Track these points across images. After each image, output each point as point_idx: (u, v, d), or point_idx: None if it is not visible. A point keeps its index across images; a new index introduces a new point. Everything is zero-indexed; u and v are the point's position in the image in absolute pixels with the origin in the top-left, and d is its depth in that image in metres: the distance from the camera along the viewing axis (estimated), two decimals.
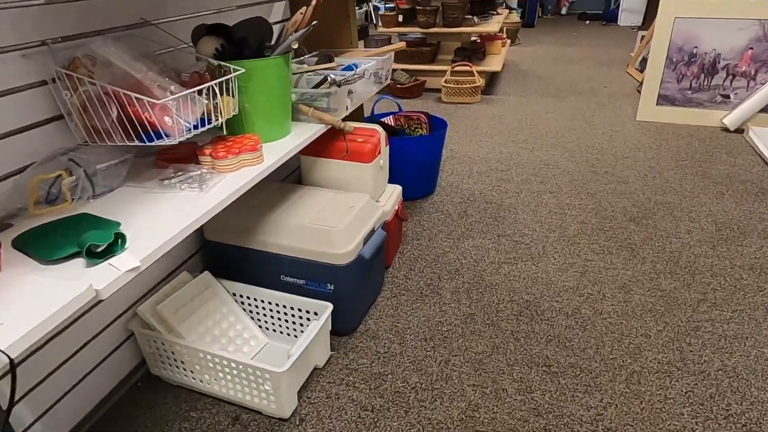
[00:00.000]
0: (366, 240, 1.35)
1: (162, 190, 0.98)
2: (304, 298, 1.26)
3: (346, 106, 1.41)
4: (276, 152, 1.15)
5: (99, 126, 0.93)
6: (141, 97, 0.86)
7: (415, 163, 2.00)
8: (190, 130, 0.95)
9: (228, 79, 1.04)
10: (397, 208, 1.66)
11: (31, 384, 1.01)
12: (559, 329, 1.38)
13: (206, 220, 0.89)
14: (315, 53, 1.68)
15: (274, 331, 1.35)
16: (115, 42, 0.93)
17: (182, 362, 1.18)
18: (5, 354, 0.56)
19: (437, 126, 2.12)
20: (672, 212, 1.95)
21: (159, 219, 0.87)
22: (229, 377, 1.14)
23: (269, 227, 1.32)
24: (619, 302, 1.47)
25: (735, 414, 1.11)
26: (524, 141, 2.73)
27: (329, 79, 1.33)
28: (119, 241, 0.77)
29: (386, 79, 1.71)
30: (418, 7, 3.51)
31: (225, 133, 1.11)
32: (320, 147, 1.54)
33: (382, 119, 2.12)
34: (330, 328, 1.27)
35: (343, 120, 1.41)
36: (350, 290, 1.31)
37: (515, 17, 5.56)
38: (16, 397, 0.98)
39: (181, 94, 0.90)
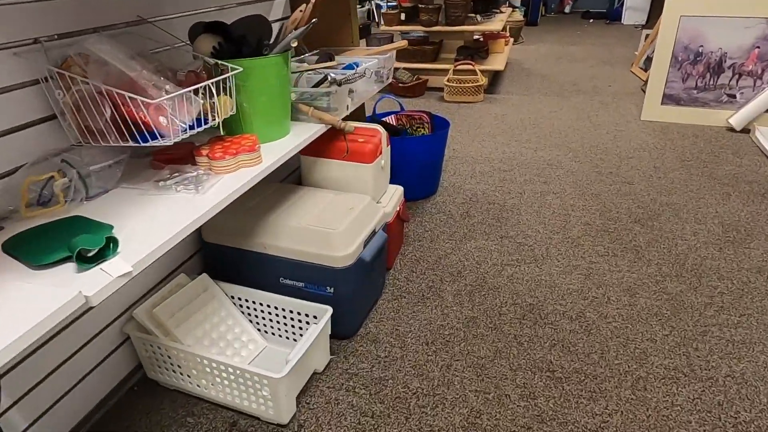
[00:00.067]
0: (366, 242, 1.32)
1: (157, 191, 0.96)
2: (303, 302, 1.24)
3: (347, 106, 1.38)
4: (275, 153, 1.13)
5: (93, 126, 0.91)
6: (135, 96, 0.83)
7: (417, 163, 1.97)
8: (185, 130, 0.93)
9: (225, 78, 1.01)
10: (398, 209, 1.63)
11: (25, 389, 0.99)
12: (563, 333, 1.35)
13: (201, 224, 0.87)
14: (315, 52, 1.65)
15: (273, 334, 1.33)
16: (110, 40, 0.91)
17: (179, 366, 1.16)
18: None
19: (439, 125, 2.09)
20: (678, 213, 1.92)
21: (153, 222, 0.84)
22: (226, 382, 1.12)
23: (268, 229, 1.30)
24: (624, 306, 1.45)
25: (744, 422, 1.09)
26: (527, 141, 2.70)
27: (329, 78, 1.30)
28: (111, 245, 0.75)
29: (388, 78, 1.69)
30: (420, 6, 3.48)
31: (222, 133, 1.08)
32: (320, 147, 1.52)
33: (383, 119, 2.09)
34: (330, 332, 1.24)
35: (344, 120, 1.39)
36: (350, 293, 1.28)
37: (518, 15, 5.52)
38: (9, 404, 0.96)
39: (176, 93, 0.88)
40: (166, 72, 1.01)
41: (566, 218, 1.92)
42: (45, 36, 0.93)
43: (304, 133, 1.26)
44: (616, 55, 4.67)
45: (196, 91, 0.94)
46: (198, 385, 1.17)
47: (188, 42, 1.17)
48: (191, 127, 0.94)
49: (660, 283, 1.54)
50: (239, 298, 1.32)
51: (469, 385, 1.21)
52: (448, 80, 3.42)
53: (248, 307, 1.32)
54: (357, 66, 1.47)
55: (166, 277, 1.32)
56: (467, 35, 3.88)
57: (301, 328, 1.28)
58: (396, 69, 3.60)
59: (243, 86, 1.09)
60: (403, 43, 1.67)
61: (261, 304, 1.30)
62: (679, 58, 2.77)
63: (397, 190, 1.67)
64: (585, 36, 5.74)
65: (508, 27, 4.80)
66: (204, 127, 0.98)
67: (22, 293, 0.66)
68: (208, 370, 1.12)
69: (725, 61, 2.70)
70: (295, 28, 1.19)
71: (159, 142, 0.90)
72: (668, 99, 2.86)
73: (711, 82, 2.75)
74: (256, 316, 1.33)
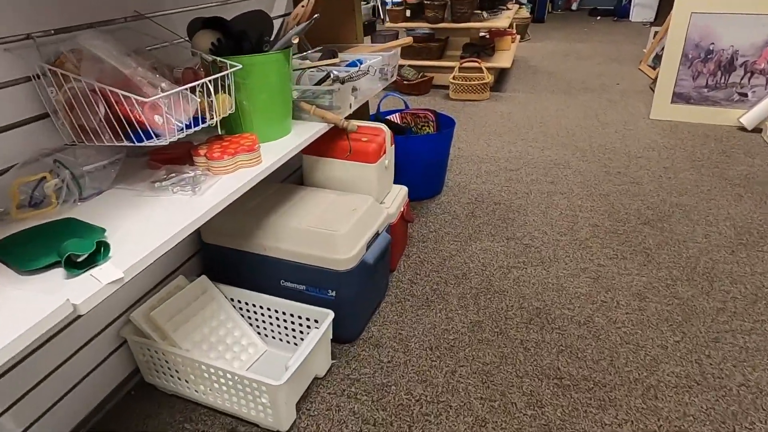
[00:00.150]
0: (369, 244, 1.29)
1: (153, 193, 0.93)
2: (304, 305, 1.21)
3: (350, 104, 1.35)
4: (275, 152, 1.10)
5: (86, 125, 0.88)
6: (129, 94, 0.80)
7: (422, 162, 1.94)
8: (182, 129, 0.90)
9: (223, 76, 0.98)
10: (402, 209, 1.60)
11: (18, 394, 0.97)
12: (570, 339, 1.32)
13: (197, 227, 0.84)
14: (318, 48, 1.62)
15: (274, 338, 1.30)
16: (104, 36, 0.88)
17: (176, 371, 1.13)
18: None
19: (445, 124, 2.05)
20: (688, 215, 1.87)
21: (147, 225, 0.81)
22: (224, 388, 1.09)
23: (269, 230, 1.27)
24: (633, 310, 1.41)
25: None
26: (534, 139, 2.66)
27: (332, 75, 1.27)
28: (102, 249, 0.72)
29: (392, 75, 1.65)
30: (426, 2, 3.43)
31: (221, 132, 1.05)
32: (323, 146, 1.48)
33: (387, 117, 2.06)
34: (331, 337, 1.21)
35: (347, 118, 1.35)
36: (353, 297, 1.25)
37: (525, 12, 5.46)
38: (1, 409, 0.94)
39: (171, 91, 0.85)
40: (163, 69, 0.98)
41: (574, 219, 1.88)
42: (37, 31, 0.90)
43: (306, 132, 1.22)
44: (623, 52, 4.61)
45: (193, 89, 0.91)
46: (196, 391, 1.14)
47: (187, 38, 1.14)
48: (188, 126, 0.91)
49: (671, 287, 1.50)
50: (239, 301, 1.29)
51: (474, 393, 1.17)
52: (453, 78, 3.37)
53: (248, 310, 1.29)
54: (360, 63, 1.43)
55: (165, 279, 1.29)
56: (473, 32, 3.83)
57: (302, 332, 1.25)
58: (401, 66, 3.56)
59: (242, 84, 1.06)
60: (408, 39, 1.63)
61: (261, 307, 1.27)
62: (690, 56, 2.72)
63: (402, 191, 1.63)
64: (592, 33, 5.67)
65: (514, 24, 4.75)
66: (201, 126, 0.95)
67: (8, 300, 0.63)
68: (206, 375, 1.09)
69: (737, 59, 2.64)
70: (297, 24, 1.16)
71: (154, 142, 0.87)
72: (678, 97, 2.81)
73: (722, 81, 2.70)
74: (256, 320, 1.30)
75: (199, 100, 0.93)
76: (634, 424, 1.08)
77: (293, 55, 1.54)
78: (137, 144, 0.87)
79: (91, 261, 0.71)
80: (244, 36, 1.08)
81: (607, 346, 1.29)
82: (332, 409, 1.14)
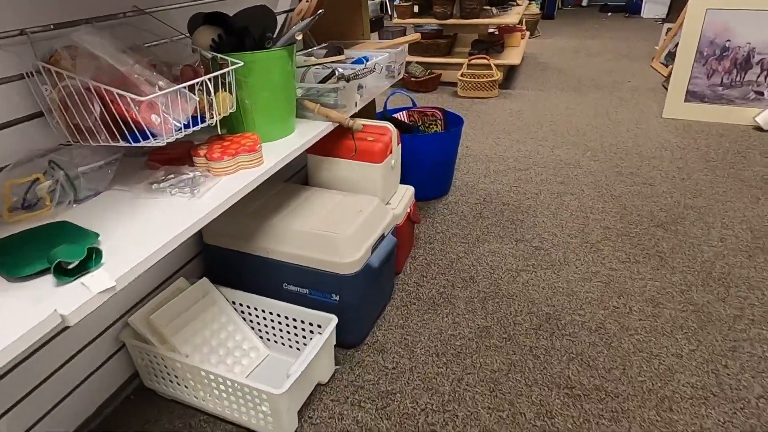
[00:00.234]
0: (375, 247, 1.25)
1: (150, 194, 0.90)
2: (307, 310, 1.18)
3: (355, 103, 1.31)
4: (277, 153, 1.06)
5: (81, 124, 0.85)
6: (124, 93, 0.77)
7: (429, 162, 1.90)
8: (180, 129, 0.86)
9: (224, 74, 0.95)
10: (409, 210, 1.56)
11: (14, 399, 0.94)
12: (582, 346, 1.28)
13: (195, 231, 0.80)
14: (324, 45, 1.58)
15: (276, 342, 1.27)
16: (99, 32, 0.85)
17: (176, 377, 1.11)
18: None
19: (453, 122, 2.01)
20: (703, 217, 1.82)
21: (143, 229, 0.78)
22: (224, 395, 1.06)
23: (271, 232, 1.23)
24: (647, 317, 1.36)
25: None
26: (544, 138, 2.61)
27: (337, 73, 1.23)
28: (94, 255, 0.69)
29: (399, 73, 1.61)
30: None
31: (220, 132, 1.02)
32: (328, 145, 1.45)
33: (394, 115, 2.02)
34: (334, 342, 1.18)
35: (352, 117, 1.31)
36: (357, 301, 1.22)
37: (534, 8, 5.39)
38: None
39: (168, 90, 0.81)
40: (162, 66, 0.95)
41: (585, 221, 1.83)
42: (32, 27, 0.87)
43: (310, 131, 1.19)
44: (635, 49, 4.54)
45: (192, 88, 0.87)
46: (196, 397, 1.11)
47: (188, 34, 1.10)
48: (186, 126, 0.88)
49: (685, 292, 1.45)
50: (240, 304, 1.26)
51: (482, 402, 1.13)
52: (462, 75, 3.32)
53: (250, 314, 1.26)
54: (367, 60, 1.39)
55: (165, 281, 1.26)
56: (482, 28, 3.77)
57: (304, 337, 1.22)
58: (408, 63, 3.51)
59: (244, 82, 1.02)
60: (416, 36, 1.59)
61: (263, 311, 1.24)
62: (704, 54, 2.65)
63: (408, 191, 1.60)
64: (603, 29, 5.59)
65: (524, 20, 4.68)
66: (201, 125, 0.91)
67: None
68: (205, 381, 1.06)
69: (753, 57, 2.58)
70: (302, 20, 1.12)
71: (151, 143, 0.83)
72: (692, 96, 2.75)
73: (738, 79, 2.64)
74: (258, 323, 1.27)
75: (198, 98, 0.89)
76: None
77: (298, 51, 1.50)
78: (133, 144, 0.83)
79: (83, 268, 0.68)
80: (246, 32, 1.04)
81: (619, 354, 1.25)
82: (335, 418, 1.11)
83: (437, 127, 2.01)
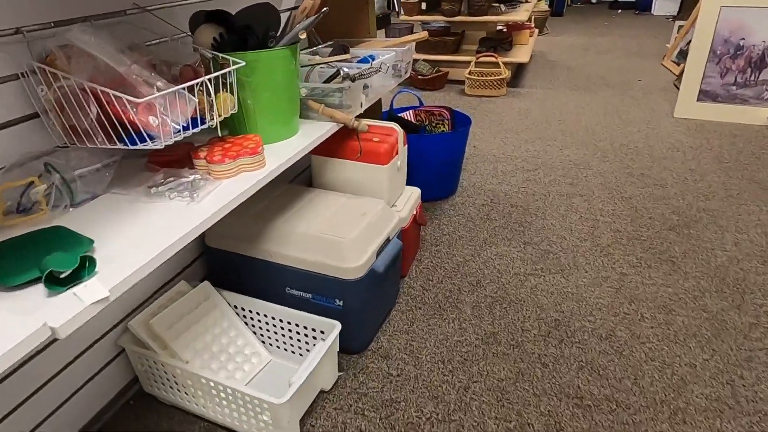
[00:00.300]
0: (380, 251, 1.22)
1: (149, 199, 0.87)
2: (310, 315, 1.15)
3: (361, 103, 1.28)
4: (280, 155, 1.03)
5: (78, 126, 0.82)
6: (120, 95, 0.74)
7: (436, 162, 1.86)
8: (179, 132, 0.84)
9: (225, 74, 0.92)
10: (415, 212, 1.53)
11: (14, 403, 0.92)
12: (592, 354, 1.24)
13: (193, 238, 0.78)
14: (329, 43, 1.55)
15: (278, 347, 1.24)
16: (95, 31, 0.82)
17: (176, 383, 1.08)
18: None
19: (460, 122, 1.97)
20: (716, 221, 1.78)
21: (139, 236, 0.76)
22: (224, 403, 1.03)
23: (274, 235, 1.21)
24: (659, 324, 1.33)
25: None
26: (553, 138, 2.57)
27: (342, 72, 1.20)
28: (87, 263, 0.67)
29: (406, 72, 1.58)
30: None
31: (221, 134, 0.99)
32: (332, 146, 1.42)
33: (401, 114, 1.98)
34: (338, 349, 1.15)
35: (358, 117, 1.29)
36: (361, 307, 1.19)
37: (543, 5, 5.33)
38: None
39: (166, 91, 0.78)
40: (162, 66, 0.92)
41: (595, 224, 1.79)
42: (28, 25, 0.84)
43: (314, 132, 1.16)
44: (646, 47, 4.47)
45: (191, 89, 0.84)
46: (196, 404, 1.09)
47: (189, 33, 1.08)
48: (186, 128, 0.85)
49: (698, 299, 1.41)
50: (242, 308, 1.24)
51: (489, 412, 1.10)
52: (469, 73, 3.28)
53: (252, 318, 1.24)
54: (373, 59, 1.36)
55: (166, 284, 1.24)
56: (490, 26, 3.73)
57: (307, 343, 1.19)
58: (416, 61, 3.47)
59: (246, 82, 1.00)
60: (424, 34, 1.56)
61: (265, 316, 1.21)
62: (718, 52, 2.60)
63: (414, 193, 1.56)
64: (613, 27, 5.52)
65: (532, 17, 4.62)
66: (201, 127, 0.89)
67: None
68: (206, 389, 1.04)
69: None
70: (306, 18, 1.09)
71: (149, 146, 0.81)
72: (704, 95, 2.69)
73: (752, 78, 2.58)
74: (260, 328, 1.24)
75: (197, 99, 0.87)
76: None
77: (302, 50, 1.47)
78: (131, 147, 0.81)
79: (76, 277, 0.65)
80: (248, 30, 1.02)
81: (631, 364, 1.21)
82: (338, 426, 1.08)
83: (444, 127, 1.97)
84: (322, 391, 1.17)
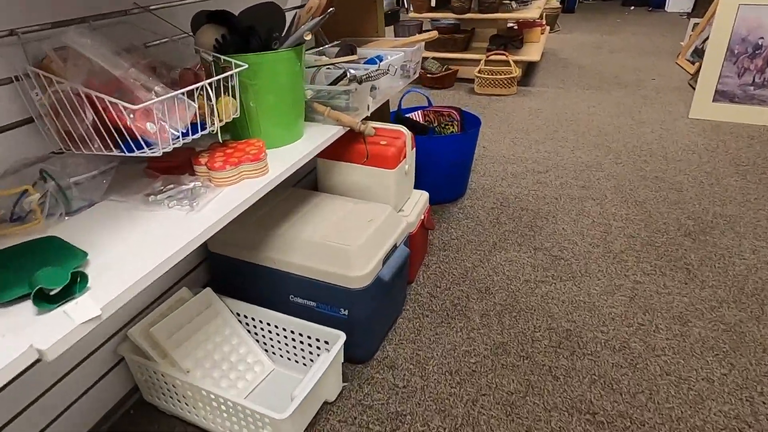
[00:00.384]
0: (386, 259, 1.19)
1: (146, 207, 0.84)
2: (314, 325, 1.12)
3: (368, 105, 1.24)
4: (284, 160, 1.00)
5: (73, 132, 0.79)
6: (116, 101, 0.71)
7: (445, 164, 1.82)
8: (178, 138, 0.80)
9: (226, 77, 0.88)
10: (423, 217, 1.49)
11: (12, 414, 0.90)
12: (605, 367, 1.20)
13: (192, 250, 0.74)
14: (336, 43, 1.51)
15: (281, 356, 1.21)
16: (91, 33, 0.79)
17: (176, 393, 1.06)
18: None
19: (470, 123, 1.93)
20: (733, 227, 1.72)
21: (136, 247, 0.72)
22: (225, 415, 1.00)
23: (278, 241, 1.18)
24: (675, 336, 1.28)
25: None
26: (564, 139, 2.52)
27: (348, 74, 1.16)
28: (79, 279, 0.64)
29: (415, 72, 1.54)
30: None
31: (221, 140, 0.96)
32: (338, 149, 1.38)
33: (409, 115, 1.94)
34: (342, 360, 1.12)
35: (365, 119, 1.25)
36: (367, 316, 1.16)
37: (554, 2, 5.25)
38: None
39: (163, 97, 0.75)
40: (162, 69, 0.89)
41: (607, 229, 1.74)
42: (23, 27, 0.82)
43: (320, 136, 1.12)
44: (659, 45, 4.39)
45: (191, 93, 0.81)
46: (197, 415, 1.06)
47: (191, 33, 1.04)
48: (185, 135, 0.82)
49: (716, 309, 1.36)
50: (245, 316, 1.21)
51: (498, 427, 1.07)
52: (479, 71, 3.23)
53: (255, 326, 1.21)
54: (380, 60, 1.32)
55: (167, 291, 1.21)
56: (501, 23, 3.67)
57: (311, 353, 1.16)
58: (424, 59, 3.43)
59: (249, 85, 0.96)
60: (433, 34, 1.51)
61: (269, 324, 1.18)
62: (736, 51, 2.53)
63: (422, 196, 1.52)
64: (625, 24, 5.43)
65: (544, 14, 4.55)
66: (201, 133, 0.85)
67: None
68: (206, 401, 1.01)
69: None
70: (312, 18, 1.05)
71: (146, 153, 0.78)
72: (721, 96, 2.63)
73: None
74: (263, 336, 1.21)
75: (198, 104, 0.83)
76: None
77: (308, 49, 1.44)
78: (128, 154, 0.78)
79: (67, 293, 0.62)
80: (252, 31, 0.98)
81: (645, 378, 1.17)
82: None
83: (454, 128, 1.93)
84: (326, 403, 1.14)
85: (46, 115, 0.80)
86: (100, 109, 0.74)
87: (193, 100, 0.83)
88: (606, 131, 2.59)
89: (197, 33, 0.97)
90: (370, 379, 1.19)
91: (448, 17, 3.39)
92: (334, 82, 1.21)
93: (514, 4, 3.42)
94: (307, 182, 1.79)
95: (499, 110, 2.96)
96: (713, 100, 2.65)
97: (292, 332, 1.15)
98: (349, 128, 1.18)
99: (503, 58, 3.19)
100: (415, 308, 1.42)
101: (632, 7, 6.44)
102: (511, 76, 3.15)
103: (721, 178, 2.06)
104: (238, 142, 0.98)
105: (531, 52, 3.41)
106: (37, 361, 0.87)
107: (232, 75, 0.89)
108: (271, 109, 1.01)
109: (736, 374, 1.17)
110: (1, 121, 0.80)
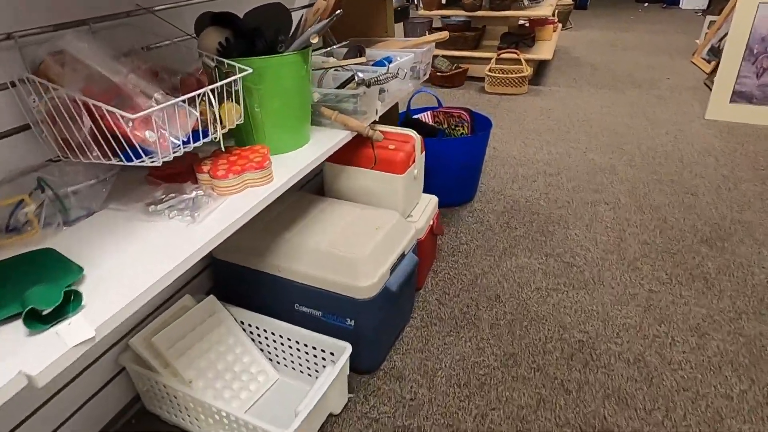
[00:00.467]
0: (394, 267, 1.16)
1: (147, 217, 0.81)
2: (319, 336, 1.09)
3: (376, 109, 1.21)
4: (289, 168, 0.97)
5: (71, 140, 0.77)
6: (113, 109, 0.68)
7: (455, 167, 1.78)
8: (178, 147, 0.77)
9: (230, 82, 0.85)
10: (432, 222, 1.45)
11: (12, 425, 0.88)
12: (619, 381, 1.16)
13: (191, 264, 0.72)
14: (345, 43, 1.48)
15: (286, 366, 1.18)
16: (89, 37, 0.76)
17: (178, 404, 1.03)
18: None
19: (480, 125, 1.89)
20: (752, 234, 1.67)
21: (133, 262, 0.70)
22: (227, 428, 0.98)
23: (284, 249, 1.15)
24: (692, 348, 1.24)
25: None
26: (576, 140, 2.47)
27: (357, 78, 1.12)
28: (72, 297, 0.61)
29: (425, 73, 1.50)
30: None
31: (223, 149, 0.93)
32: (346, 153, 1.35)
33: (418, 116, 1.91)
34: (348, 372, 1.09)
35: (373, 123, 1.21)
36: (373, 327, 1.12)
37: None
38: None
39: (164, 105, 0.72)
40: (163, 74, 0.86)
41: (621, 235, 1.70)
42: (21, 30, 0.79)
43: (327, 141, 1.09)
44: (674, 43, 4.31)
45: (192, 100, 0.78)
46: (199, 427, 1.04)
47: (195, 35, 1.01)
48: (186, 143, 0.79)
49: (734, 321, 1.32)
50: (249, 324, 1.18)
51: None
52: (490, 70, 3.18)
53: (259, 335, 1.18)
54: (389, 62, 1.28)
55: (170, 298, 1.19)
56: (512, 21, 3.61)
57: (316, 364, 1.13)
58: (434, 57, 3.38)
59: (254, 89, 0.93)
60: (444, 34, 1.47)
61: (273, 333, 1.16)
62: (755, 51, 2.46)
63: (431, 201, 1.49)
64: (639, 21, 5.34)
65: (556, 11, 4.48)
66: (203, 141, 0.82)
67: None
68: (208, 413, 0.98)
69: None
70: (320, 20, 1.02)
71: (146, 163, 0.75)
72: (738, 96, 2.56)
73: None
74: (268, 345, 1.18)
75: (199, 111, 0.80)
76: None
77: (316, 50, 1.40)
78: (127, 163, 0.75)
79: (60, 312, 0.60)
80: (257, 33, 0.95)
81: (661, 393, 1.13)
82: None
83: (464, 130, 1.89)
84: (331, 415, 1.11)
85: (43, 122, 0.77)
86: (98, 117, 0.71)
87: (195, 107, 0.80)
88: (619, 132, 2.54)
89: (200, 36, 0.94)
90: (376, 391, 1.16)
91: (458, 14, 3.34)
92: (342, 85, 1.17)
93: (526, 2, 3.37)
94: (314, 183, 1.76)
95: (510, 110, 2.91)
96: (730, 101, 2.58)
97: (297, 342, 1.12)
98: (356, 133, 1.15)
99: (514, 56, 3.14)
100: (423, 316, 1.38)
101: (646, 4, 6.34)
102: (523, 75, 3.10)
103: (739, 182, 2.01)
104: (242, 149, 0.95)
105: (543, 51, 3.36)
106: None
107: (235, 80, 0.86)
108: (277, 114, 0.98)
109: (756, 391, 1.12)
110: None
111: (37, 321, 0.58)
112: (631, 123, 2.64)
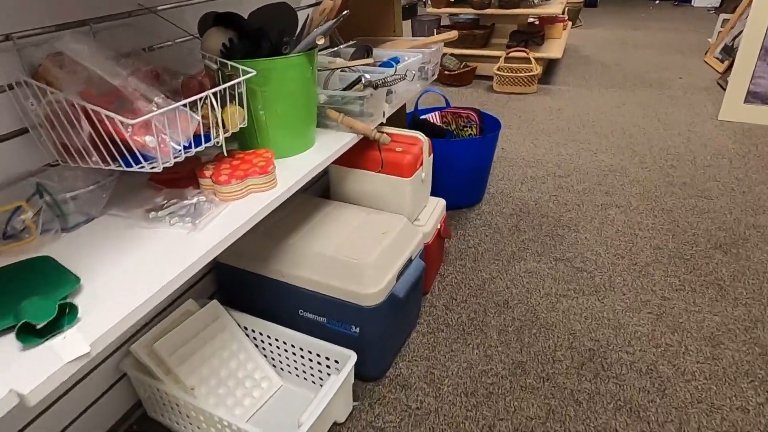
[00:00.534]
0: (400, 273, 1.13)
1: (147, 224, 0.79)
2: (324, 343, 1.07)
3: (383, 112, 1.18)
4: (294, 171, 0.94)
5: (70, 144, 0.75)
6: (111, 114, 0.66)
7: (463, 168, 1.75)
8: (179, 152, 0.75)
9: (232, 86, 0.83)
10: (439, 226, 1.43)
11: None
12: (630, 392, 1.13)
13: (191, 274, 0.69)
14: (352, 43, 1.45)
15: (290, 372, 1.16)
16: (89, 38, 0.74)
17: (180, 412, 1.01)
18: None
19: (489, 125, 1.85)
20: None
21: (132, 271, 0.68)
22: None
23: (288, 254, 1.12)
24: (706, 359, 1.21)
25: None
26: (586, 141, 2.43)
27: (363, 80, 1.10)
28: (67, 309, 0.59)
29: (433, 74, 1.47)
30: None
31: (225, 154, 0.90)
32: (352, 156, 1.32)
33: (426, 116, 1.88)
34: (353, 380, 1.07)
35: (380, 125, 1.19)
36: (379, 334, 1.10)
37: None
38: None
39: (164, 109, 0.70)
40: (165, 76, 0.84)
41: (632, 239, 1.66)
42: (19, 31, 0.77)
43: (332, 144, 1.07)
44: (686, 41, 4.24)
45: (194, 104, 0.76)
46: None
47: (198, 36, 0.99)
48: (187, 148, 0.77)
49: (750, 330, 1.28)
50: (253, 330, 1.16)
51: None
52: (498, 68, 3.14)
53: (263, 341, 1.16)
54: (397, 62, 1.25)
55: (173, 302, 1.17)
56: (521, 19, 3.56)
57: (320, 371, 1.11)
58: (442, 55, 3.34)
59: (257, 92, 0.90)
60: (453, 34, 1.44)
61: (277, 340, 1.13)
62: None
63: (439, 204, 1.46)
64: (650, 19, 5.27)
65: (565, 9, 4.43)
66: (205, 145, 0.80)
67: None
68: (210, 422, 0.96)
69: None
70: (326, 21, 0.99)
71: (145, 169, 0.73)
72: (753, 97, 2.51)
73: None
74: (272, 351, 1.16)
75: (202, 115, 0.78)
76: None
77: (322, 50, 1.38)
78: (126, 169, 0.73)
79: (55, 325, 0.58)
80: (262, 34, 0.92)
81: (674, 405, 1.10)
82: None
83: (472, 131, 1.86)
84: (335, 424, 1.09)
85: (42, 125, 0.75)
86: (96, 122, 0.69)
87: (197, 111, 0.77)
88: (630, 133, 2.49)
89: (203, 37, 0.92)
90: (381, 399, 1.14)
91: (467, 12, 3.30)
92: (349, 87, 1.15)
93: (535, 0, 3.32)
94: (320, 185, 1.74)
95: (519, 109, 2.87)
96: (745, 102, 2.53)
97: (302, 349, 1.10)
98: (363, 136, 1.12)
99: (524, 55, 3.10)
100: (430, 322, 1.36)
101: (657, 2, 6.26)
102: (532, 73, 3.06)
103: (754, 185, 1.96)
104: (246, 153, 0.93)
105: (552, 49, 3.31)
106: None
107: (239, 82, 0.84)
108: (282, 117, 0.95)
109: None
110: None
111: (32, 335, 0.56)
112: (643, 123, 2.60)
